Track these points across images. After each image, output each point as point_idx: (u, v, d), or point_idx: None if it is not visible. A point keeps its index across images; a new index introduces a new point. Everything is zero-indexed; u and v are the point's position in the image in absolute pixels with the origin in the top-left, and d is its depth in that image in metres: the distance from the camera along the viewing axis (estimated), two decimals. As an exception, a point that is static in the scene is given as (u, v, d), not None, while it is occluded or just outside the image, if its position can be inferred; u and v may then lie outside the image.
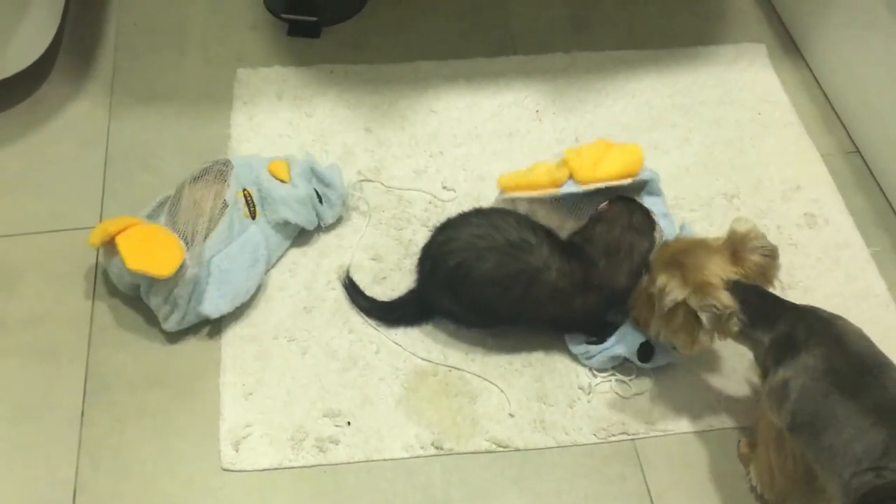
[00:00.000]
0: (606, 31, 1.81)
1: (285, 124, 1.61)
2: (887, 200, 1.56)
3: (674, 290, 1.10)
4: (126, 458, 1.21)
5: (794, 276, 1.42)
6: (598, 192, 1.33)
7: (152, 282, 1.28)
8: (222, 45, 1.75)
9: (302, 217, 1.40)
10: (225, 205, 1.35)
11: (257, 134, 1.59)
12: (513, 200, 1.38)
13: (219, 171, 1.38)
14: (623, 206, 1.29)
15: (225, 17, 1.80)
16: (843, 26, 1.66)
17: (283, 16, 1.79)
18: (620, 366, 1.31)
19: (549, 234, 1.26)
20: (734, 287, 1.09)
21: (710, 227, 1.49)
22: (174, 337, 1.32)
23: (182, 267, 1.26)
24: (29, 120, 1.60)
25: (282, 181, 1.41)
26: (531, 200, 1.36)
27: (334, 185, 1.43)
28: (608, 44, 1.78)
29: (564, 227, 1.35)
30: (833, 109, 1.70)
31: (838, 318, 1.07)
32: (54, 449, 1.22)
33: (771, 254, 1.14)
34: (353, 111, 1.64)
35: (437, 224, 1.34)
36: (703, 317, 1.08)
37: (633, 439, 1.25)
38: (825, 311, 1.08)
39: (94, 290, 1.38)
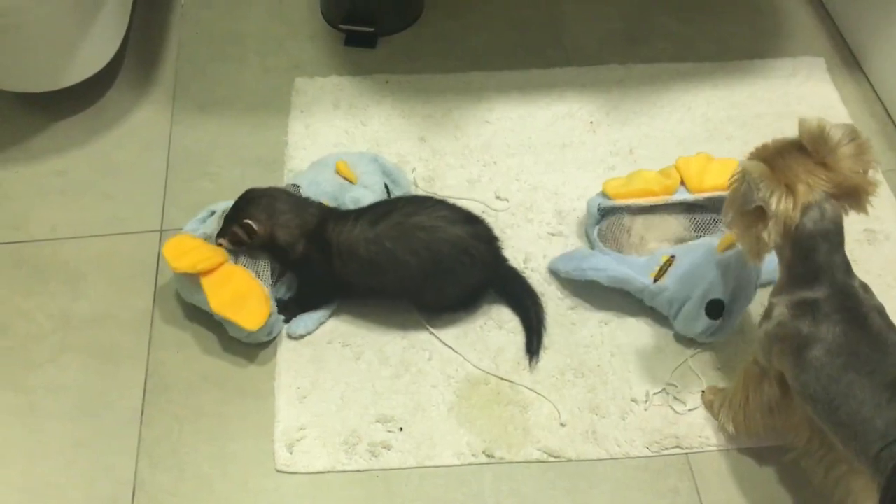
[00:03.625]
0: (662, 43, 1.81)
1: (341, 133, 1.63)
2: (951, 217, 1.52)
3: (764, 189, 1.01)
4: (183, 458, 1.24)
5: (854, 293, 1.40)
6: (706, 200, 1.38)
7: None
8: (281, 55, 1.78)
9: None
10: None
11: (314, 142, 1.62)
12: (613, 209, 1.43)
13: None
14: None
15: (284, 28, 1.84)
16: (906, 40, 1.64)
17: (341, 26, 1.82)
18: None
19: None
20: (819, 217, 1.01)
21: (767, 241, 1.47)
22: (232, 340, 1.35)
23: (268, 320, 1.29)
24: (95, 125, 1.65)
25: (350, 181, 1.43)
26: (646, 208, 1.40)
27: (400, 183, 1.47)
28: (664, 56, 1.77)
29: (674, 233, 1.39)
30: (894, 125, 1.67)
31: (867, 291, 1.06)
32: (114, 447, 1.25)
33: (861, 146, 1.02)
34: (407, 120, 1.66)
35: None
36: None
37: (686, 453, 1.24)
38: (860, 286, 1.05)
39: (155, 291, 1.41)
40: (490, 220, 1.48)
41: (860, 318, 1.02)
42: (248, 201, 1.33)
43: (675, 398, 1.29)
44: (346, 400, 1.29)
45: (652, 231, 1.39)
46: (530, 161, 1.59)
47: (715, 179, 1.37)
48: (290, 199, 1.35)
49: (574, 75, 1.74)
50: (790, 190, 1.01)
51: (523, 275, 1.41)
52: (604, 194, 1.43)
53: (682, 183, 1.40)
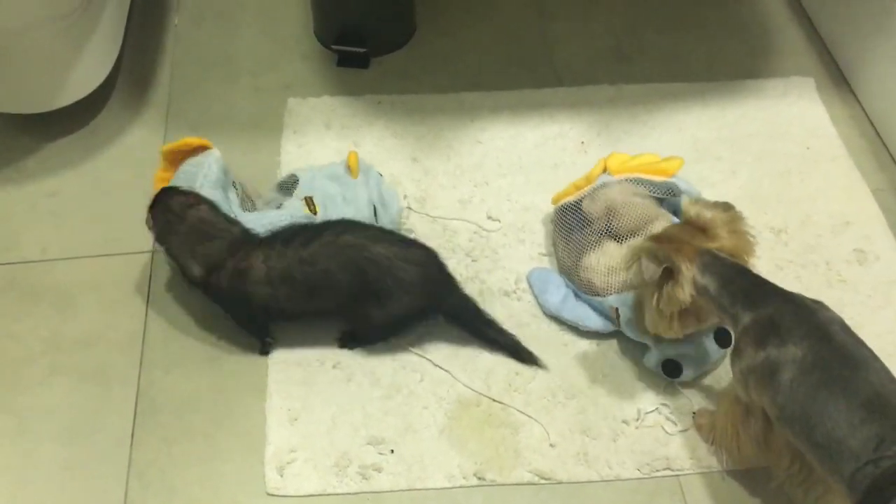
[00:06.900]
0: (652, 63, 1.82)
1: (333, 153, 1.64)
2: (940, 237, 1.53)
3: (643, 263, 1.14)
4: (174, 480, 1.23)
5: (844, 314, 1.37)
6: (630, 181, 1.40)
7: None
8: (273, 76, 1.79)
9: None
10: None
11: (306, 162, 1.62)
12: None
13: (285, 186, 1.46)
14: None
15: (276, 48, 1.85)
16: (894, 60, 1.65)
17: (333, 47, 1.83)
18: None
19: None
20: (712, 262, 1.12)
21: (758, 261, 1.47)
22: (222, 361, 1.35)
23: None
24: (88, 146, 1.65)
25: (351, 170, 1.46)
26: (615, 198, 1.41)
27: (389, 208, 1.46)
28: (654, 76, 1.79)
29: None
30: (884, 144, 1.68)
31: (820, 305, 1.09)
32: (104, 469, 1.25)
33: (733, 216, 1.19)
34: (399, 141, 1.67)
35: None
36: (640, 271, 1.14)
37: (677, 475, 1.24)
38: (808, 299, 1.09)
39: (146, 313, 1.41)
40: (482, 240, 1.50)
41: (822, 330, 1.04)
42: (168, 195, 1.32)
43: (667, 419, 1.29)
44: (337, 422, 1.29)
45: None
46: (522, 181, 1.60)
47: (641, 160, 1.43)
48: (208, 219, 1.30)
49: (565, 95, 1.75)
50: (678, 250, 1.13)
51: (475, 302, 1.36)
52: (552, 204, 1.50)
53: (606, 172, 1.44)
